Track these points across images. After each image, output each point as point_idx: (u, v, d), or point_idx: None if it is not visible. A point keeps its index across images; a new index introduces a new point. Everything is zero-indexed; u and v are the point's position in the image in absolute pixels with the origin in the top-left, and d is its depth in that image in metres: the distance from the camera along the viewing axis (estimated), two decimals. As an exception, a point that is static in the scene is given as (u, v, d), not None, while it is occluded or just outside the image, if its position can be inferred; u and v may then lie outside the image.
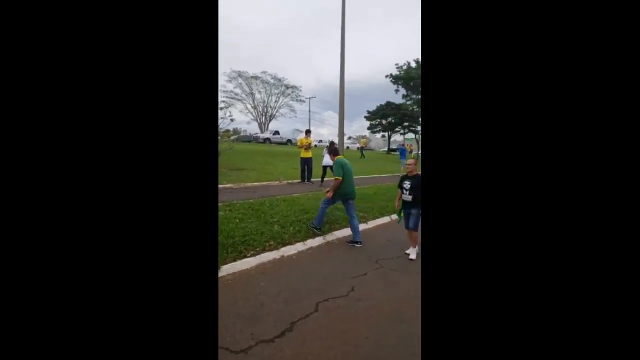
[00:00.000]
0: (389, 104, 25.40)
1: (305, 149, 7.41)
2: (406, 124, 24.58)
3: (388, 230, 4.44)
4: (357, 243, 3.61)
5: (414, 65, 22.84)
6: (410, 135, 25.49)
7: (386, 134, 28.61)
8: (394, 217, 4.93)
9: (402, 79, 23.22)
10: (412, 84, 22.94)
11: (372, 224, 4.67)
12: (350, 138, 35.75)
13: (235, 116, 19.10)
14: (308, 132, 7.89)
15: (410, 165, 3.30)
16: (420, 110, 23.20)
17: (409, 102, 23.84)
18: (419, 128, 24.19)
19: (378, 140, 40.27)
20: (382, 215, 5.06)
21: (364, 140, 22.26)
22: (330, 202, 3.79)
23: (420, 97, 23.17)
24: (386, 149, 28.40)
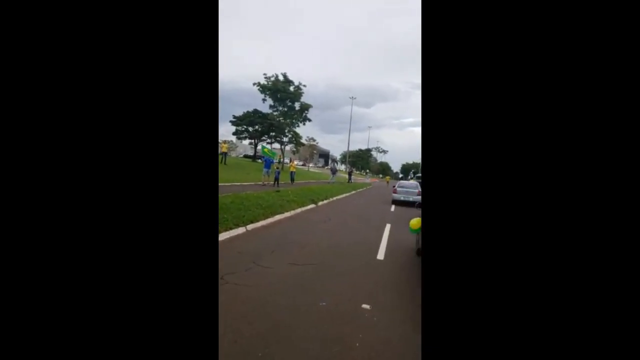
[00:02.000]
0: (255, 111, 25.67)
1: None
2: (272, 133, 25.49)
3: (242, 241, 4.27)
4: None
5: (281, 78, 24.19)
6: (277, 145, 26.64)
7: (253, 141, 28.74)
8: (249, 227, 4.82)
9: (269, 89, 24.06)
10: (278, 95, 24.16)
11: (225, 235, 4.37)
12: (213, 142, 33.74)
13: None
14: None
15: None
16: (285, 121, 24.70)
17: (275, 113, 24.91)
18: (285, 139, 25.64)
19: (245, 146, 39.92)
20: (237, 225, 4.85)
21: (225, 144, 20.60)
22: None
23: (285, 109, 24.72)
24: (244, 155, 28.99)
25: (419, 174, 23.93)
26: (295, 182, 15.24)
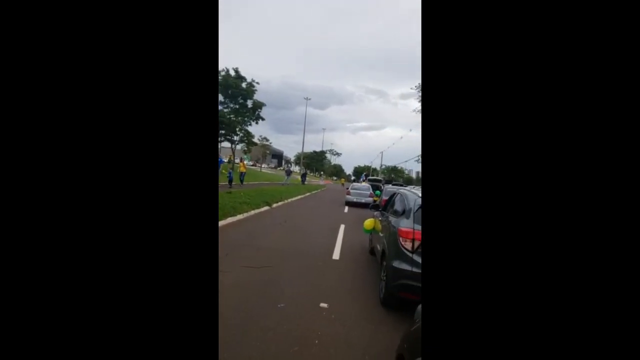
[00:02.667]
0: (204, 107, 24.29)
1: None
2: (222, 131, 24.44)
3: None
4: None
5: (232, 73, 23.36)
6: (226, 144, 25.58)
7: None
8: None
9: (219, 84, 23.04)
10: (229, 91, 23.28)
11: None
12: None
13: None
14: None
15: None
16: (237, 119, 23.88)
17: (226, 110, 23.94)
18: (236, 138, 24.77)
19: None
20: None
21: None
22: None
23: (237, 107, 23.92)
24: None
25: (371, 177, 25.09)
26: (247, 183, 14.84)
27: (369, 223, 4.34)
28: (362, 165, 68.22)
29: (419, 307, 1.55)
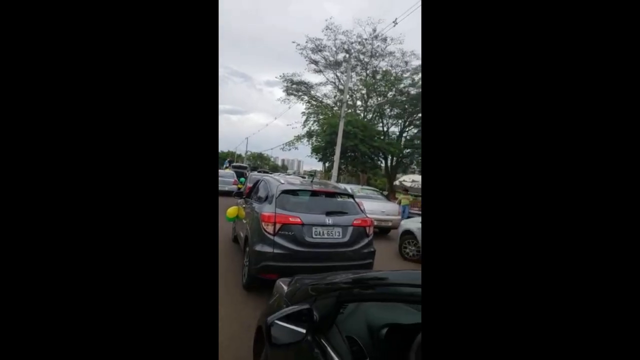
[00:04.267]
0: None
1: None
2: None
3: None
4: None
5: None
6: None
7: None
8: None
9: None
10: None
11: None
12: None
13: None
14: None
15: None
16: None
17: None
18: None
19: None
20: None
21: None
22: None
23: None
24: None
25: (235, 163, 24.55)
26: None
27: (232, 211, 4.37)
28: (225, 150, 65.37)
29: (277, 281, 1.80)
